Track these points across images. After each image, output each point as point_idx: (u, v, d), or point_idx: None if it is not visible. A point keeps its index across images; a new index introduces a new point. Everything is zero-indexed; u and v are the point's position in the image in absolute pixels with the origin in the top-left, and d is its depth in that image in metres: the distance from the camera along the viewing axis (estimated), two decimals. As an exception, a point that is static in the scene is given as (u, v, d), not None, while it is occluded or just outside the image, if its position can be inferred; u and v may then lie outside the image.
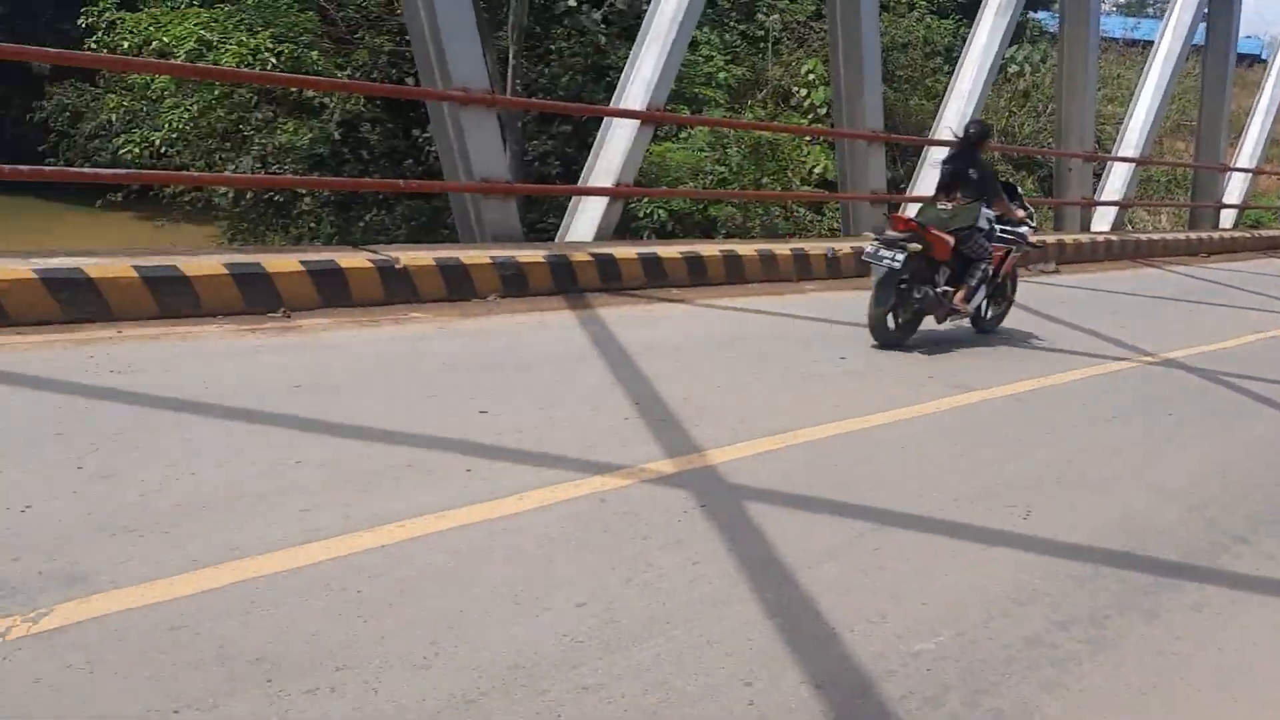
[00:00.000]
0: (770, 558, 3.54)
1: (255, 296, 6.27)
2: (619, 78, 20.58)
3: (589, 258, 7.94)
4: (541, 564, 3.31)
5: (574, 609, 3.03)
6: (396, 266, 6.89)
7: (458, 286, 7.21)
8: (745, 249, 9.23)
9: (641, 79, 8.75)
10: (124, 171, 6.61)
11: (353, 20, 21.00)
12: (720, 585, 3.28)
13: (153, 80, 17.68)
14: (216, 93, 17.61)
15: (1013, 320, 8.70)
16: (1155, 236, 15.49)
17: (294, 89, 22.06)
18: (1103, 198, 15.55)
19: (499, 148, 7.85)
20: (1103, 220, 15.48)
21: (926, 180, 12.00)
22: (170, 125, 17.47)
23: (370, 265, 6.79)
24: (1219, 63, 17.38)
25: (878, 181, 11.12)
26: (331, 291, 6.61)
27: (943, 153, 11.97)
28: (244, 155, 22.54)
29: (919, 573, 3.55)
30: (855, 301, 9.08)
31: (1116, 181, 15.59)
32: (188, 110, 17.25)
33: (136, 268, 5.85)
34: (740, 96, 19.17)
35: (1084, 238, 13.85)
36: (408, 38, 22.38)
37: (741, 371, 6.19)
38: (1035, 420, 5.69)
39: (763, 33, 21.58)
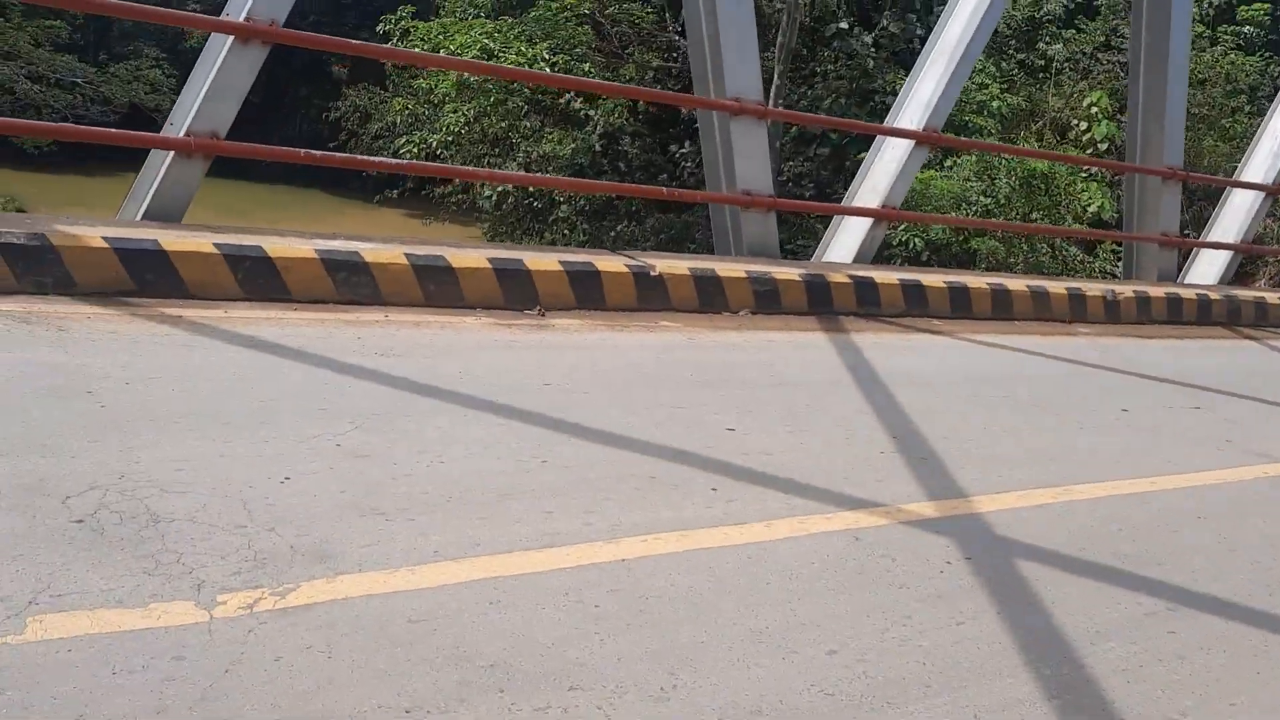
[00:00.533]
0: (1046, 627, 3.13)
1: (514, 292, 6.32)
2: (883, 102, 20.09)
3: (847, 280, 7.59)
4: (788, 601, 3.04)
5: (824, 656, 2.74)
6: (652, 273, 6.80)
7: (710, 298, 7.04)
8: (1015, 283, 8.59)
9: (919, 99, 8.31)
10: (403, 162, 6.82)
11: (625, 35, 21.48)
12: (989, 651, 2.90)
13: (436, 85, 18.69)
14: (492, 99, 18.39)
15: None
16: None
17: (562, 100, 22.85)
18: None
19: (765, 162, 7.64)
20: None
21: (1224, 224, 10.88)
22: (447, 128, 18.39)
23: (626, 270, 6.72)
24: None
25: (1169, 223, 10.14)
26: (586, 293, 6.58)
27: (1245, 196, 10.84)
28: (510, 162, 23.54)
29: (1225, 668, 3.04)
30: (1136, 349, 8.30)
31: None
32: (464, 115, 18.09)
33: (408, 255, 6.01)
34: (1013, 127, 18.22)
35: None
36: (675, 54, 22.81)
37: (1009, 414, 5.69)
38: (1363, 504, 4.90)
39: (1043, 62, 20.46)
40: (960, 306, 8.16)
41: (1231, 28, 20.73)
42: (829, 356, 6.46)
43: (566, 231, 22.80)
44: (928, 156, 9.60)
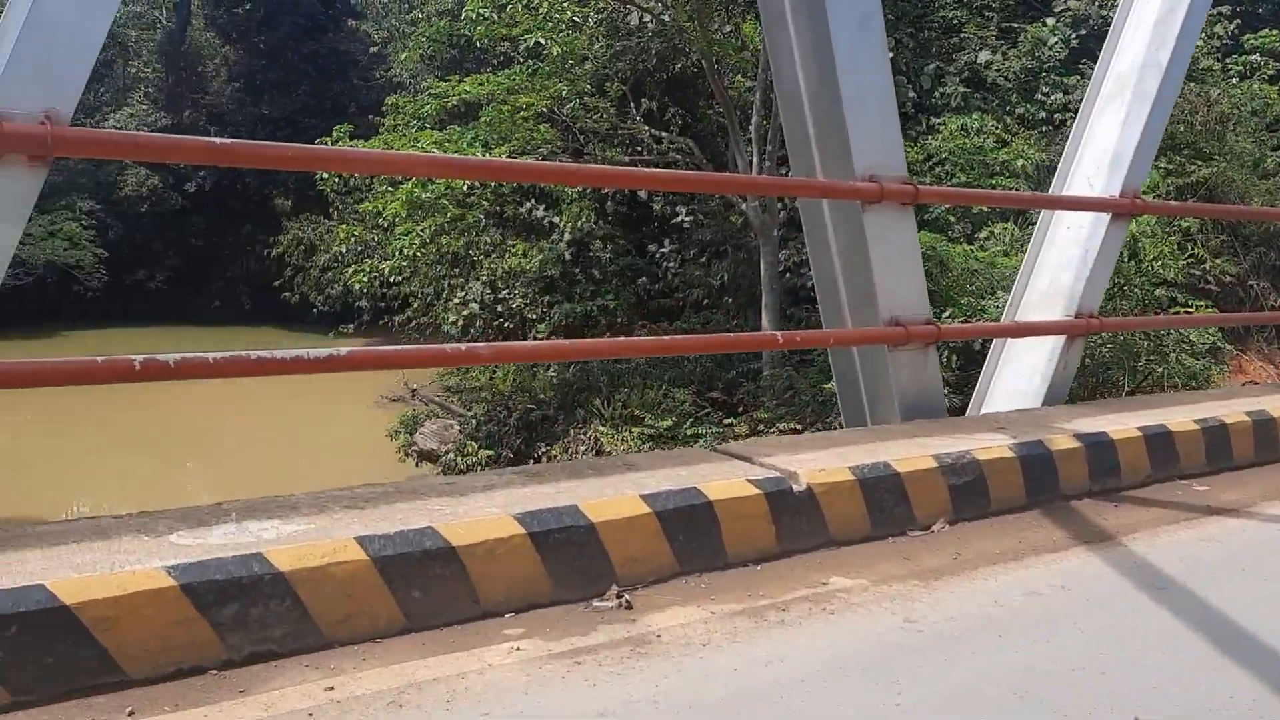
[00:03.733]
0: None
1: (567, 572, 3.25)
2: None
3: (1073, 443, 4.59)
4: None
5: None
6: (795, 490, 3.76)
7: (886, 513, 3.99)
8: (1276, 406, 5.64)
9: (1099, 153, 5.49)
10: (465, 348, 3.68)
11: (587, 132, 18.84)
12: None
13: (384, 206, 15.80)
14: (449, 215, 15.51)
15: None
16: None
17: (524, 209, 20.11)
18: None
19: (918, 270, 4.73)
20: None
21: None
22: (400, 253, 15.42)
23: (754, 492, 3.67)
24: None
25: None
26: (689, 548, 3.52)
27: None
28: (473, 280, 20.73)
29: None
30: None
31: None
32: (419, 235, 15.14)
33: (364, 543, 2.93)
34: (1041, 187, 15.60)
35: None
36: (640, 148, 20.13)
37: None
38: None
39: (1045, 114, 18.06)
40: (1218, 454, 5.20)
41: (1242, 57, 18.54)
42: (1167, 624, 3.39)
43: (544, 353, 19.84)
44: (1126, 233, 6.65)
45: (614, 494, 3.46)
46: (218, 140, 3.62)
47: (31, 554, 2.71)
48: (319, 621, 2.84)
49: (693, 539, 3.53)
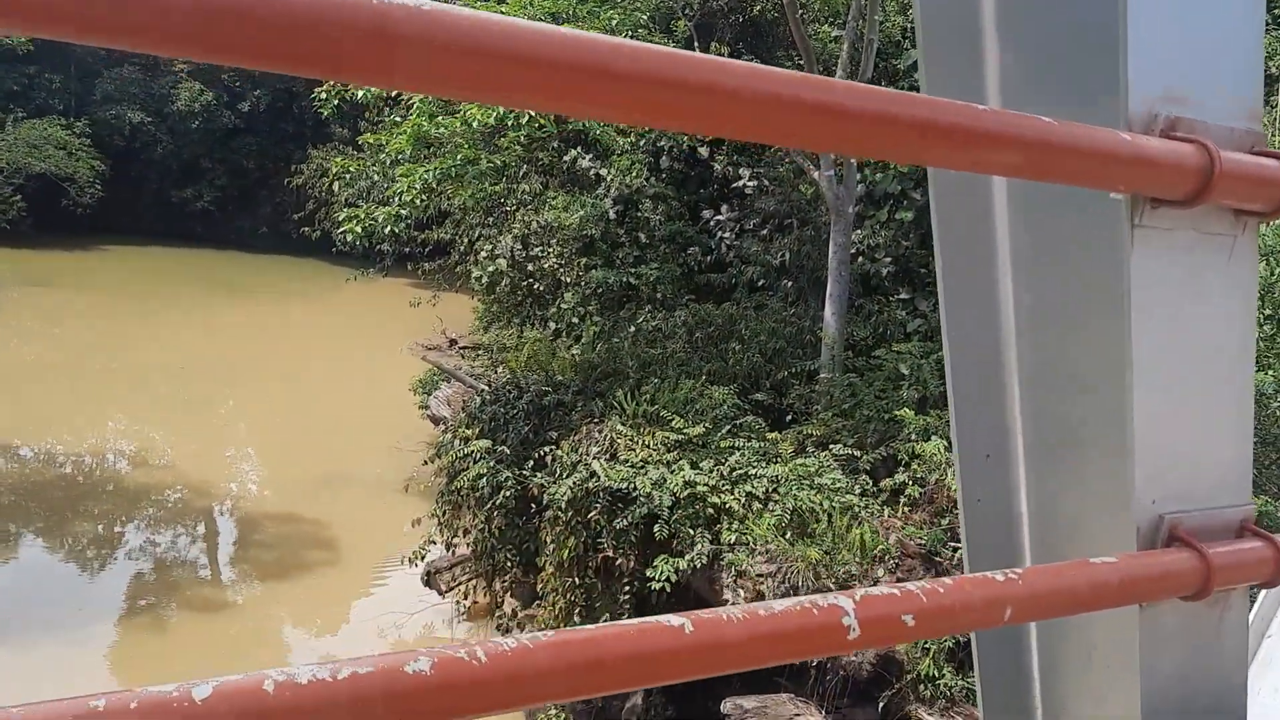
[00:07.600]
0: None
1: None
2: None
3: None
4: None
5: None
6: None
7: None
8: None
9: None
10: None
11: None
12: None
13: (387, 141, 13.03)
14: (459, 158, 12.65)
15: None
16: None
17: (567, 157, 17.33)
18: None
19: (1245, 387, 1.79)
20: None
21: None
22: (400, 199, 12.63)
23: None
24: None
25: None
26: None
27: None
28: (504, 234, 18.02)
29: None
30: None
31: None
32: (421, 179, 12.31)
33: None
34: None
35: None
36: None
37: None
38: None
39: None
40: None
41: None
42: None
43: (574, 320, 17.11)
44: None
45: None
46: None
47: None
48: None
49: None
